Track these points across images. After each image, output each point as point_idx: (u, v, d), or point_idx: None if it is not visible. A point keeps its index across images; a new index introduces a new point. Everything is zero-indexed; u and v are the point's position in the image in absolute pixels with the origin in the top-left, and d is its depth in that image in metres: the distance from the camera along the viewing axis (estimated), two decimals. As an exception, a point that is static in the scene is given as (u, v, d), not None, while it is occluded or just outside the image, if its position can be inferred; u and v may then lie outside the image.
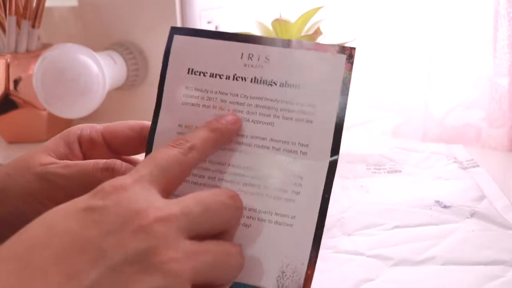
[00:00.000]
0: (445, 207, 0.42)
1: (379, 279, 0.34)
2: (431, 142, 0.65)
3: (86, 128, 0.35)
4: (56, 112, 0.57)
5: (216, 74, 0.33)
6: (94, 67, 0.56)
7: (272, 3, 0.65)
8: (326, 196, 0.30)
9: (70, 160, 0.34)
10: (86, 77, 0.56)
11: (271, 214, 0.31)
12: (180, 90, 0.34)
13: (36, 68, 0.56)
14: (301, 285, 0.29)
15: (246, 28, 0.53)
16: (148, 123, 0.35)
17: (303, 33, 0.52)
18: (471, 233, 0.39)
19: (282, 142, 0.32)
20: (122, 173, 0.31)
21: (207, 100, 0.33)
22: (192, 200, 0.26)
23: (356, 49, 0.31)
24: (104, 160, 0.32)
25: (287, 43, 0.33)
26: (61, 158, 0.34)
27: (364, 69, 0.67)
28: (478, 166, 0.51)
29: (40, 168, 0.32)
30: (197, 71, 0.34)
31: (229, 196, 0.27)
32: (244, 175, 0.32)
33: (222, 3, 0.69)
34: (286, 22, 0.50)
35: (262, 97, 0.32)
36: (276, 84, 0.32)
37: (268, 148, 0.32)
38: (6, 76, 0.64)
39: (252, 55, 0.33)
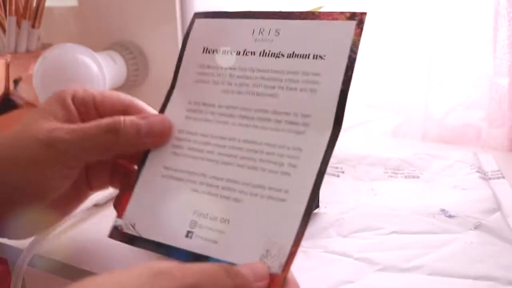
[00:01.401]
0: (449, 216, 0.41)
1: (358, 283, 0.34)
2: (431, 142, 0.65)
3: (79, 90, 0.35)
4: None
5: (227, 51, 0.34)
6: (94, 67, 0.56)
7: (272, 3, 0.65)
8: (323, 168, 0.29)
9: (71, 122, 0.34)
10: (86, 77, 0.56)
11: (265, 189, 0.30)
12: (195, 68, 0.35)
13: (36, 68, 0.56)
14: (283, 264, 0.28)
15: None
16: (139, 105, 0.35)
17: (303, 33, 0.52)
18: (469, 245, 0.37)
19: (284, 114, 0.32)
20: (127, 133, 0.32)
21: (217, 76, 0.34)
22: None
23: (366, 14, 0.31)
24: (106, 121, 0.32)
25: (299, 15, 0.33)
26: (60, 121, 0.33)
27: (364, 69, 0.67)
28: (503, 177, 0.49)
29: (45, 135, 0.32)
30: (211, 50, 0.35)
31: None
32: (243, 148, 0.32)
33: (222, 3, 0.69)
34: (286, 22, 0.50)
35: (269, 69, 0.33)
36: (283, 56, 0.33)
37: (269, 120, 0.32)
38: (6, 76, 0.64)
39: (263, 30, 0.34)
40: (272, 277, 0.27)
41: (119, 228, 0.33)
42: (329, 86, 0.31)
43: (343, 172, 0.51)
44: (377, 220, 0.41)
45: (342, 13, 0.32)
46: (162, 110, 0.35)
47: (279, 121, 0.32)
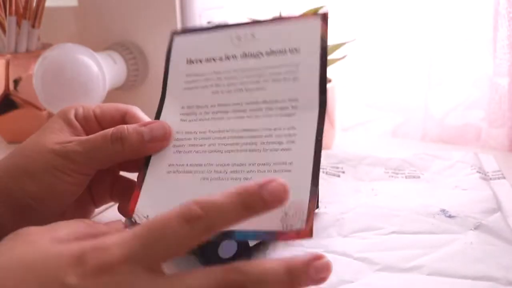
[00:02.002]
0: (449, 216, 0.41)
1: (358, 282, 0.34)
2: (431, 142, 0.65)
3: (79, 107, 0.38)
4: (56, 112, 0.57)
5: (210, 58, 0.38)
6: (94, 67, 0.56)
7: (272, 3, 0.65)
8: (319, 138, 0.32)
9: (77, 136, 0.36)
10: (86, 77, 0.56)
11: (270, 165, 0.33)
12: (182, 78, 0.38)
13: (36, 68, 0.56)
14: (304, 220, 0.29)
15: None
16: (134, 112, 0.38)
17: (303, 33, 0.52)
18: (469, 245, 0.37)
19: (274, 102, 0.35)
20: (132, 140, 0.34)
21: (205, 81, 0.38)
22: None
23: (329, 13, 0.36)
24: (111, 131, 0.34)
25: (270, 20, 0.37)
26: (67, 135, 0.36)
27: (364, 69, 0.67)
28: (504, 178, 0.49)
29: (57, 146, 0.34)
30: (195, 60, 0.38)
31: (184, 221, 0.24)
32: (242, 136, 0.35)
33: (222, 3, 0.69)
34: (286, 22, 0.50)
35: (252, 68, 0.36)
36: (263, 55, 0.36)
37: (261, 109, 0.35)
38: (6, 76, 0.64)
39: (240, 36, 0.37)
40: (298, 231, 0.29)
41: (133, 220, 0.34)
42: (309, 72, 0.34)
43: (343, 172, 0.51)
44: (377, 220, 0.41)
45: (307, 13, 0.37)
46: (157, 117, 0.38)
47: (270, 109, 0.35)
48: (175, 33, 0.40)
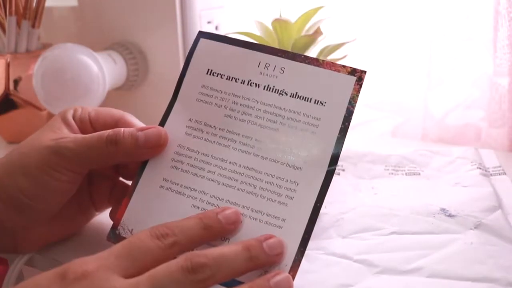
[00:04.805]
0: (450, 215, 0.41)
1: (357, 286, 0.34)
2: (431, 142, 0.65)
3: (78, 109, 0.38)
4: (56, 112, 0.57)
5: (232, 78, 0.35)
6: (94, 67, 0.56)
7: (272, 3, 0.65)
8: (318, 205, 0.32)
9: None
10: (86, 77, 0.56)
11: (263, 214, 0.32)
12: (197, 88, 0.36)
13: (36, 68, 0.56)
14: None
15: (246, 28, 0.53)
16: (128, 118, 0.37)
17: (303, 33, 0.52)
18: (469, 245, 0.37)
19: (285, 148, 0.33)
20: (126, 143, 0.34)
21: (220, 100, 0.35)
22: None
23: (366, 72, 0.34)
24: (107, 132, 0.34)
25: (304, 58, 0.35)
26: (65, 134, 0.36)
27: (364, 69, 0.67)
28: (504, 174, 0.49)
29: (52, 142, 0.34)
30: (216, 73, 0.36)
31: (185, 271, 0.27)
32: (243, 174, 0.33)
33: (222, 3, 0.69)
34: (286, 22, 0.50)
35: (272, 104, 0.34)
36: (287, 94, 0.34)
37: (269, 152, 0.33)
38: (6, 76, 0.64)
39: (269, 65, 0.35)
40: None
41: (117, 232, 0.34)
42: (327, 131, 0.33)
43: (343, 170, 0.51)
44: (376, 220, 0.40)
45: (344, 66, 0.34)
46: (163, 121, 0.36)
47: (279, 154, 0.33)
48: (202, 34, 0.37)
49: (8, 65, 0.63)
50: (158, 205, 0.34)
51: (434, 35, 0.62)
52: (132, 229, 0.33)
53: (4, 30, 0.63)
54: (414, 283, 0.34)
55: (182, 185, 0.34)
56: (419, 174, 0.50)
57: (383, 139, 0.68)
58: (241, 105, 0.35)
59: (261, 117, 0.34)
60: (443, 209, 0.42)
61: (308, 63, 0.34)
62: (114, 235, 0.34)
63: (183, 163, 0.35)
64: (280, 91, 0.34)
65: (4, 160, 0.35)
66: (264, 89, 0.35)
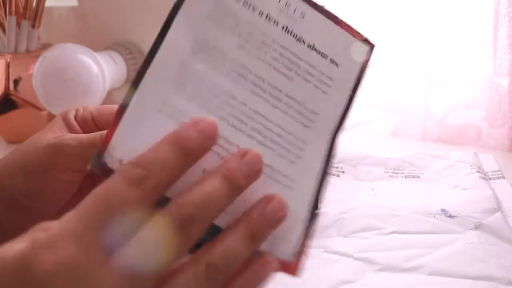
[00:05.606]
0: (450, 216, 0.41)
1: (358, 282, 0.34)
2: (431, 142, 0.65)
3: (79, 109, 0.38)
4: (56, 112, 0.57)
5: (250, 4, 0.31)
6: (94, 67, 0.56)
7: None
8: (327, 168, 0.30)
9: None
10: (86, 77, 0.56)
11: (272, 169, 0.29)
12: (209, 2, 0.31)
13: (36, 68, 0.56)
14: (294, 254, 0.27)
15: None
16: None
17: (303, 33, 0.52)
18: (470, 245, 0.37)
19: (296, 102, 0.31)
20: None
21: (234, 24, 0.30)
22: None
23: (375, 46, 0.34)
24: None
25: (324, 11, 0.32)
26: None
27: (364, 69, 0.67)
28: (503, 177, 0.49)
29: (53, 140, 0.34)
30: None
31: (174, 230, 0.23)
32: (253, 119, 0.29)
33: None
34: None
35: (289, 49, 0.31)
36: (304, 43, 0.32)
37: (281, 101, 0.30)
38: (6, 76, 0.64)
39: (290, 4, 0.31)
40: (284, 263, 0.26)
41: (103, 160, 0.27)
42: (338, 94, 0.32)
43: (343, 172, 0.51)
44: (377, 220, 0.41)
45: (359, 33, 0.33)
46: (162, 34, 0.31)
47: (289, 106, 0.30)
48: None
49: (8, 65, 0.63)
50: (155, 133, 0.27)
51: (434, 35, 0.62)
52: (121, 160, 0.27)
53: (4, 30, 0.63)
54: (415, 280, 0.34)
55: (185, 114, 0.28)
56: (419, 177, 0.50)
57: (383, 139, 0.68)
58: (256, 39, 0.30)
59: (276, 59, 0.31)
60: (443, 210, 0.42)
61: (327, 18, 0.32)
62: (98, 163, 0.27)
63: (186, 87, 0.29)
64: (299, 37, 0.31)
65: (4, 160, 0.35)
66: (282, 29, 0.31)
